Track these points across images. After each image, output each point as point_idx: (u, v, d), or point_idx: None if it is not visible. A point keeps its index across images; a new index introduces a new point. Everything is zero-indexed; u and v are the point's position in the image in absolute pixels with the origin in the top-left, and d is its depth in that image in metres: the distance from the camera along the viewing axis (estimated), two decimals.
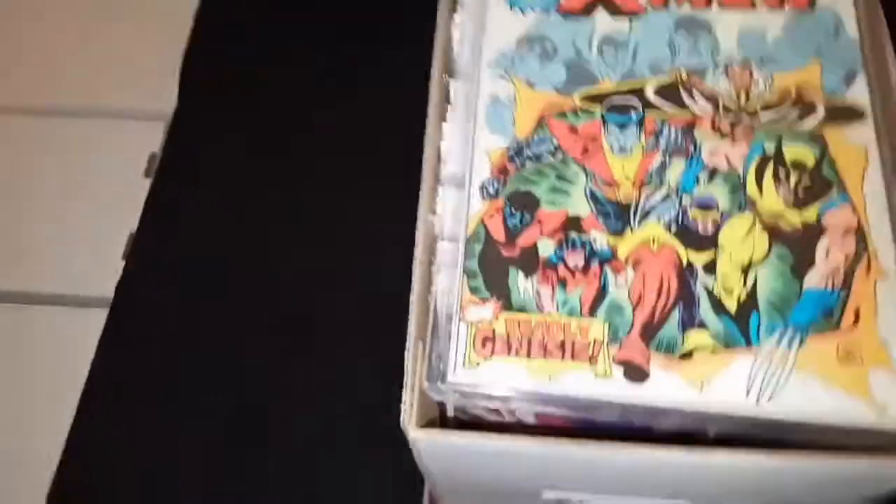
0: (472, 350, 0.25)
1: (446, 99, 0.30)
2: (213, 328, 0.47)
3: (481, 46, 0.30)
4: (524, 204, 0.27)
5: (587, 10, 0.30)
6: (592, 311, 0.26)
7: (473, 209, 0.27)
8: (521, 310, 0.26)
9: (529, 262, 0.26)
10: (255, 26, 0.59)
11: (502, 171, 0.28)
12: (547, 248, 0.27)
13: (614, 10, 0.30)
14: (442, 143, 0.30)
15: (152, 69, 0.60)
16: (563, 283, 0.26)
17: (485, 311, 0.26)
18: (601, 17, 0.30)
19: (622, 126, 0.28)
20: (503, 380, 0.25)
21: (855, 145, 0.27)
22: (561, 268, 0.26)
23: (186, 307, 0.48)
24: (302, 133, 0.54)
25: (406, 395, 0.24)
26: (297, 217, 0.51)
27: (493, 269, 0.26)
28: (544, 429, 0.25)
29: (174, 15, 0.62)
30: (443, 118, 0.30)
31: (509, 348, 0.25)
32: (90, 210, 0.56)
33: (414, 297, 0.26)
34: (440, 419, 0.26)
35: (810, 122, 0.28)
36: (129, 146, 0.58)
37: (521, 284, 0.26)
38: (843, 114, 0.28)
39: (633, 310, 0.25)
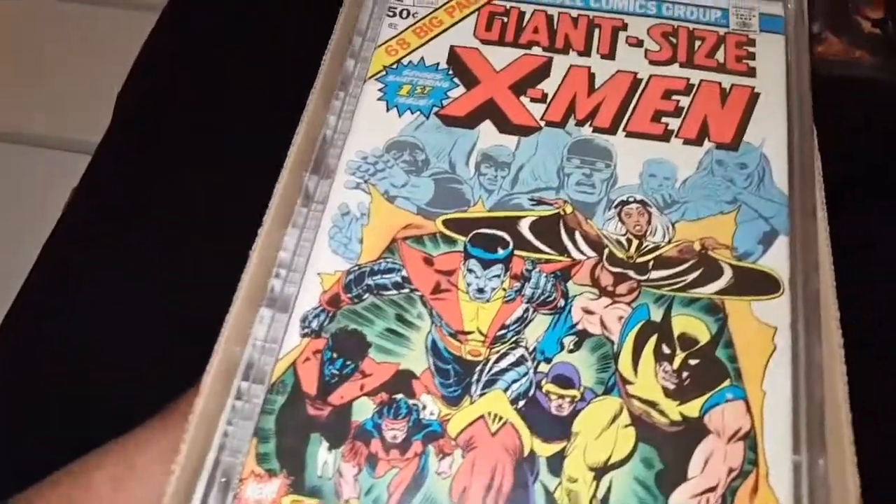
0: None
1: (301, 199, 0.26)
2: None
3: (345, 144, 0.26)
4: (349, 348, 0.23)
5: (472, 120, 0.26)
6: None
7: (287, 347, 0.23)
8: (313, 494, 0.21)
9: (338, 426, 0.21)
10: None
11: (333, 302, 0.24)
12: (364, 411, 0.22)
13: (503, 124, 0.26)
14: (280, 253, 0.25)
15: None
16: (372, 462, 0.21)
17: (267, 490, 0.21)
18: (486, 129, 0.26)
19: (485, 263, 0.24)
20: None
21: (762, 325, 0.22)
22: (374, 442, 0.21)
23: None
24: None
25: None
26: None
27: (291, 432, 0.21)
28: None
29: None
30: (287, 220, 0.26)
31: None
32: None
33: (188, 438, 0.21)
34: None
35: (711, 288, 0.23)
36: None
37: (322, 458, 0.21)
38: (753, 283, 0.23)
39: None
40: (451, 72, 0.27)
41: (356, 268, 0.24)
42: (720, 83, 0.26)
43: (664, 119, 0.26)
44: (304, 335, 0.23)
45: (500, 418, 0.21)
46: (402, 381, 0.22)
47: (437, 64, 0.27)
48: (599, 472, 0.21)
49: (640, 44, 0.27)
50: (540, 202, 0.24)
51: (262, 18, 0.52)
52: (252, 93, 0.47)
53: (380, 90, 0.27)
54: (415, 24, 0.28)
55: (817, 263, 0.23)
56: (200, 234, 0.41)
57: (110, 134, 0.50)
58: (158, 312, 0.39)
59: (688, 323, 0.22)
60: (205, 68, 0.49)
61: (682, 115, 0.26)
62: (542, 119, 0.26)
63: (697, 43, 0.27)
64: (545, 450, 0.21)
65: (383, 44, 0.28)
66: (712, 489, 0.20)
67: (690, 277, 0.23)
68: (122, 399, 0.36)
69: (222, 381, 0.23)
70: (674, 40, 0.27)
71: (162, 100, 0.49)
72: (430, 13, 0.28)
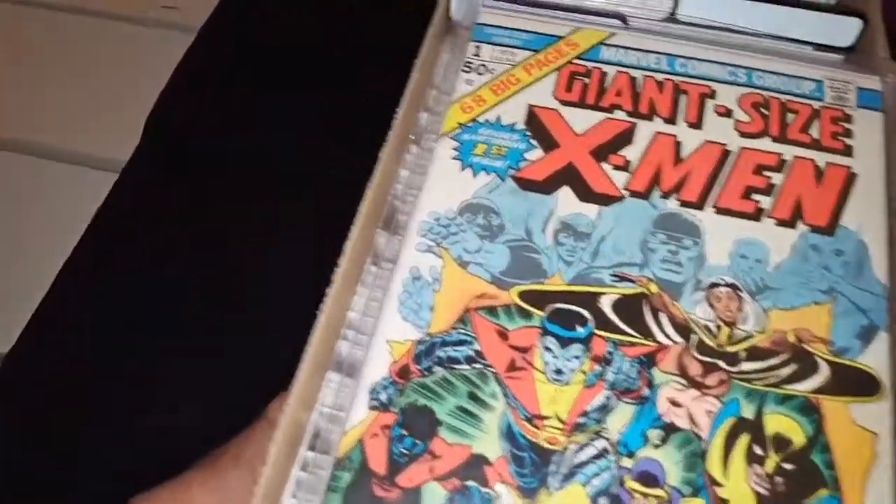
0: None
1: (371, 258, 0.26)
2: None
3: (417, 203, 0.25)
4: (419, 425, 0.22)
5: (550, 186, 0.25)
6: None
7: (354, 418, 0.22)
8: None
9: None
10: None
11: (403, 373, 0.23)
12: (434, 498, 0.21)
13: (583, 191, 0.25)
14: (349, 314, 0.25)
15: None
16: None
17: None
18: (565, 196, 0.25)
19: (564, 342, 0.23)
20: None
21: (861, 430, 0.21)
22: None
23: None
24: None
25: None
26: None
27: None
28: None
29: None
30: (356, 278, 0.25)
31: None
32: None
33: None
34: None
35: (807, 385, 0.22)
36: None
37: None
38: (851, 382, 0.22)
39: None
40: (528, 133, 0.26)
41: (427, 337, 0.23)
42: (814, 161, 0.25)
43: (755, 196, 0.25)
44: (372, 407, 0.22)
45: None
46: (475, 466, 0.21)
47: (515, 124, 0.26)
48: None
49: (729, 113, 0.26)
50: (623, 278, 0.23)
51: (320, 48, 0.52)
52: (310, 136, 0.47)
53: (454, 148, 0.26)
54: (492, 80, 0.27)
55: None
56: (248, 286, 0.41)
57: (144, 154, 0.49)
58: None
59: (782, 422, 0.21)
60: (257, 100, 0.49)
61: (775, 194, 0.25)
62: (625, 188, 0.25)
63: (790, 116, 0.26)
64: None
65: (459, 100, 0.27)
66: None
67: (784, 372, 0.22)
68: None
69: (287, 449, 0.22)
70: (765, 112, 0.26)
71: (211, 129, 0.49)
72: (508, 70, 0.27)
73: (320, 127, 0.46)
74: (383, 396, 0.22)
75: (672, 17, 0.30)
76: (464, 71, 0.28)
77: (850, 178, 0.25)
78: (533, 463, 0.21)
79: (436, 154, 0.26)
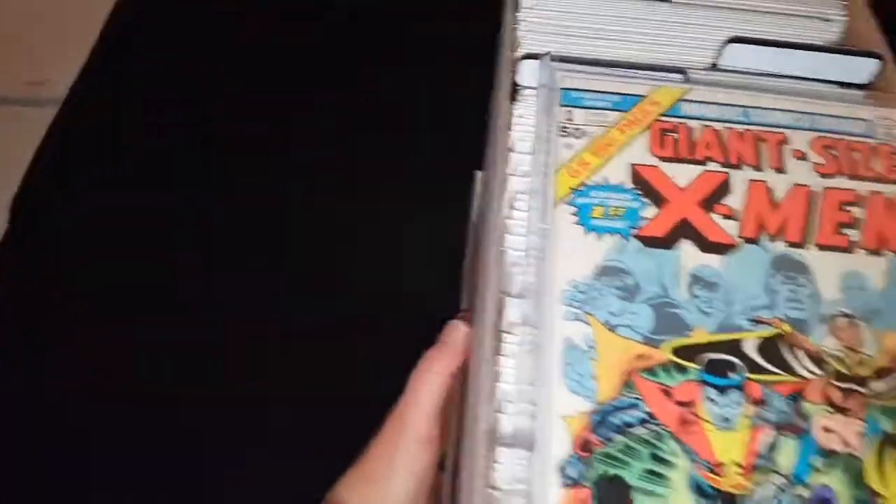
0: None
1: (505, 325, 0.26)
2: None
3: (556, 271, 0.27)
4: (615, 497, 0.23)
5: (671, 241, 0.27)
6: None
7: (551, 500, 0.23)
8: None
9: None
10: None
11: (585, 447, 0.24)
12: None
13: (702, 242, 0.27)
14: (499, 386, 0.25)
15: None
16: None
17: None
18: (687, 249, 0.27)
19: (722, 390, 0.25)
20: None
21: None
22: None
23: None
24: None
25: None
26: None
27: None
28: None
29: None
30: (497, 351, 0.26)
31: None
32: None
33: None
34: None
35: None
36: None
37: None
38: None
39: None
40: (638, 191, 0.28)
41: (599, 406, 0.24)
42: (884, 193, 0.29)
43: (845, 231, 0.28)
44: (565, 486, 0.23)
45: None
46: None
47: (623, 183, 0.28)
48: None
49: (803, 157, 0.29)
50: (759, 322, 0.26)
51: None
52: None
53: (573, 213, 0.27)
54: (590, 143, 0.29)
55: None
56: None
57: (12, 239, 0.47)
58: None
59: None
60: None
61: (860, 226, 0.28)
62: (739, 236, 0.27)
63: (855, 155, 0.30)
64: None
65: (564, 165, 0.28)
66: None
67: None
68: None
69: None
70: (834, 153, 0.30)
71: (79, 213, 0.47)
72: (604, 131, 0.29)
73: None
74: (573, 473, 0.23)
75: (714, 67, 0.34)
76: (561, 136, 0.29)
77: None
78: None
79: (556, 220, 0.27)
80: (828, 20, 0.36)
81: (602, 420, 0.24)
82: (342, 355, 0.33)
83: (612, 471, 0.23)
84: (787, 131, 0.30)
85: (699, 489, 0.23)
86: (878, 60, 0.33)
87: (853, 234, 0.28)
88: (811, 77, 0.33)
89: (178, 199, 0.47)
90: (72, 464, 0.39)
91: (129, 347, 0.43)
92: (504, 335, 0.26)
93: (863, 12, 0.36)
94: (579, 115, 0.29)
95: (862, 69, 0.33)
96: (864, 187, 0.29)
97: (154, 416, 0.40)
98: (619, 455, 0.24)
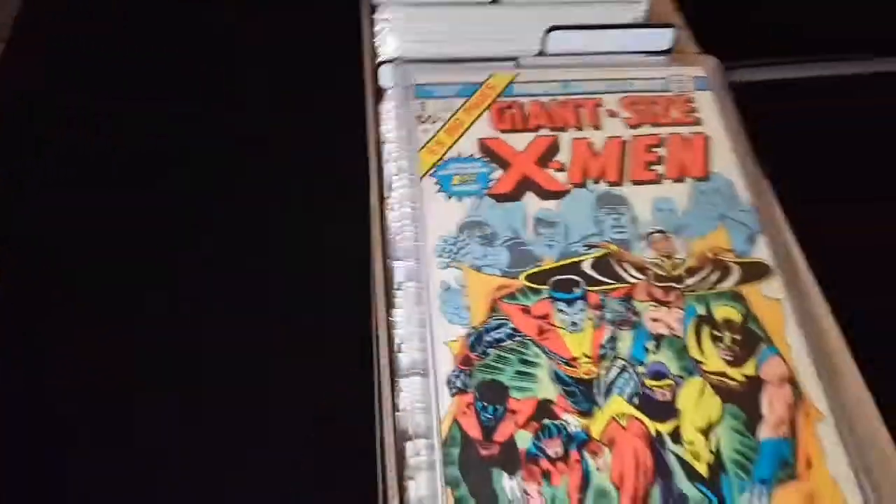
0: None
1: (396, 283, 0.32)
2: None
3: (425, 232, 0.32)
4: (494, 395, 0.29)
5: (516, 194, 0.34)
6: (581, 502, 0.27)
7: (444, 407, 0.28)
8: None
9: (510, 458, 0.27)
10: None
11: (465, 362, 0.29)
12: (525, 440, 0.28)
13: (541, 192, 0.34)
14: (396, 331, 0.31)
15: None
16: (547, 476, 0.27)
17: None
18: (530, 199, 0.34)
19: (570, 303, 0.31)
20: None
21: (770, 300, 0.32)
22: (542, 460, 0.28)
23: None
24: None
25: None
26: None
27: (475, 473, 0.27)
28: None
29: None
30: (391, 304, 0.31)
31: None
32: None
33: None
34: None
35: (730, 282, 0.33)
36: None
37: (507, 486, 0.27)
38: (754, 272, 0.33)
39: (619, 492, 0.27)
40: (486, 159, 0.34)
41: (472, 330, 0.30)
42: (681, 134, 0.36)
43: (653, 167, 0.35)
44: (453, 394, 0.28)
45: (625, 415, 0.29)
46: (544, 409, 0.28)
47: (473, 154, 0.34)
48: (706, 432, 0.28)
49: (615, 114, 0.37)
50: (591, 247, 0.32)
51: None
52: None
53: (436, 184, 0.33)
54: (443, 126, 0.35)
55: (788, 248, 0.34)
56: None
57: None
58: None
59: (725, 311, 0.31)
60: None
61: (664, 162, 0.35)
62: (569, 183, 0.34)
63: (655, 107, 0.37)
64: (664, 427, 0.28)
65: (424, 146, 0.34)
66: (782, 421, 0.29)
67: (713, 278, 0.32)
68: None
69: (396, 443, 0.27)
70: (639, 108, 0.37)
71: None
72: (452, 116, 0.35)
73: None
74: (458, 383, 0.29)
75: (541, 54, 0.41)
76: (419, 123, 0.35)
77: (707, 141, 0.37)
78: (581, 393, 0.29)
79: (424, 192, 0.33)
80: (635, 2, 0.44)
81: (477, 339, 0.30)
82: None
83: (489, 376, 0.29)
84: (600, 96, 0.37)
85: (559, 379, 0.29)
86: (672, 29, 0.41)
87: (659, 168, 0.35)
88: (624, 51, 0.41)
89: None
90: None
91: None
92: (394, 292, 0.31)
93: None
94: (431, 105, 0.36)
95: (662, 38, 0.41)
96: (664, 131, 0.37)
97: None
98: (494, 364, 0.29)
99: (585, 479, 0.27)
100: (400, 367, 0.30)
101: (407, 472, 0.27)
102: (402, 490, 0.27)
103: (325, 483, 0.36)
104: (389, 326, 0.31)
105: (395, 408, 0.29)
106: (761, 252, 0.34)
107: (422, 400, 0.29)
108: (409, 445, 0.28)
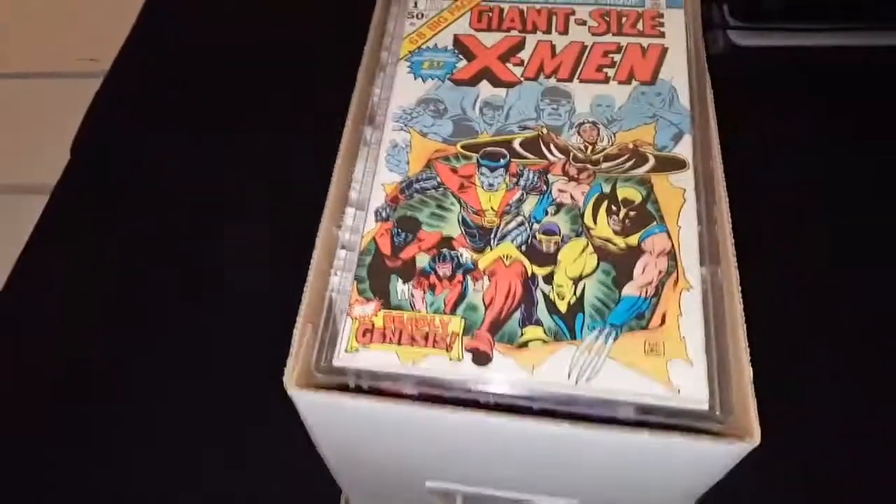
0: (354, 339, 0.35)
1: (362, 142, 0.41)
2: None
3: (389, 104, 0.41)
4: (408, 226, 0.37)
5: (473, 81, 0.42)
6: (453, 310, 0.35)
7: (368, 228, 0.38)
8: (398, 308, 0.35)
9: (408, 271, 0.36)
10: None
11: (394, 200, 0.38)
12: (423, 261, 0.36)
13: (495, 81, 0.42)
14: (353, 174, 0.40)
15: None
16: (432, 288, 0.35)
17: (368, 309, 0.35)
18: (484, 86, 0.42)
19: (492, 169, 0.39)
20: (376, 362, 0.34)
21: (676, 188, 0.37)
22: (432, 276, 0.36)
23: None
24: None
25: (290, 361, 0.33)
26: None
27: (378, 276, 0.36)
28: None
29: None
30: (355, 156, 0.41)
31: (384, 338, 0.35)
32: None
33: (307, 289, 0.36)
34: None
35: (642, 170, 0.38)
36: None
37: (400, 288, 0.36)
38: (669, 164, 0.38)
39: (485, 309, 0.35)
40: (456, 51, 0.42)
41: (407, 178, 0.39)
42: (641, 44, 0.42)
43: (605, 70, 0.41)
44: (377, 220, 0.37)
45: (511, 257, 0.36)
46: (446, 241, 0.37)
47: (446, 47, 0.43)
48: (576, 280, 0.35)
49: (584, 23, 0.43)
50: (525, 128, 0.40)
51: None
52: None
53: (408, 67, 0.42)
54: (427, 21, 0.44)
55: (710, 149, 0.38)
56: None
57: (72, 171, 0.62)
58: None
59: (627, 192, 0.37)
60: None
61: (617, 66, 0.41)
62: (522, 76, 0.41)
63: (624, 19, 0.43)
64: (541, 271, 0.35)
65: (407, 36, 0.43)
66: (650, 283, 0.35)
67: (628, 165, 0.38)
68: None
69: (327, 251, 0.37)
70: (608, 19, 0.43)
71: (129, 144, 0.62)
72: (437, 14, 0.44)
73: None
74: (384, 213, 0.38)
75: None
76: (408, 18, 0.44)
77: (664, 51, 0.42)
78: (480, 236, 0.37)
79: (397, 72, 0.42)
80: None
81: (407, 185, 0.39)
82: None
83: (409, 213, 0.38)
84: (575, 6, 0.43)
85: (465, 223, 0.37)
86: None
87: (610, 72, 0.41)
88: None
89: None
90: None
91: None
92: (359, 148, 0.41)
93: None
94: (422, 3, 0.44)
95: None
96: (625, 41, 0.42)
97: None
98: (416, 205, 0.38)
99: (462, 295, 0.35)
100: (349, 201, 0.39)
101: (332, 270, 0.37)
102: (326, 283, 0.37)
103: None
104: (349, 172, 0.40)
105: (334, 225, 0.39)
106: (683, 150, 0.38)
107: (353, 223, 0.38)
108: (337, 252, 0.37)
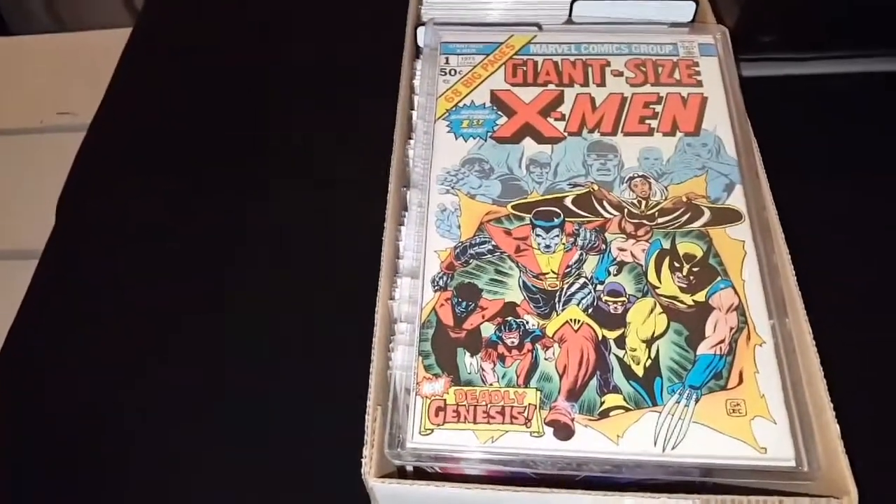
0: (427, 419, 0.35)
1: (403, 206, 0.42)
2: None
3: (431, 165, 0.42)
4: (469, 294, 0.38)
5: (516, 138, 0.43)
6: (527, 381, 0.36)
7: (426, 299, 0.38)
8: (469, 383, 0.36)
9: (474, 342, 0.37)
10: None
11: (450, 267, 0.39)
12: (488, 330, 0.37)
13: (539, 137, 0.43)
14: (399, 242, 0.41)
15: None
16: (502, 358, 0.36)
17: (437, 386, 0.36)
18: (528, 142, 0.43)
19: (547, 230, 0.40)
20: (454, 443, 0.35)
21: (735, 241, 0.39)
22: (500, 346, 0.37)
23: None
24: None
25: (366, 451, 0.33)
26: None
27: (443, 349, 0.37)
28: (490, 480, 0.35)
29: None
30: (399, 222, 0.42)
31: (458, 416, 0.35)
32: None
33: (373, 369, 0.36)
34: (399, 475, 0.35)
35: (699, 223, 0.40)
36: None
37: (468, 362, 0.36)
38: (724, 216, 0.40)
39: (560, 378, 0.36)
40: (494, 108, 0.44)
41: (460, 244, 0.39)
42: (680, 94, 0.44)
43: (647, 121, 0.43)
44: (436, 290, 0.38)
45: (579, 321, 0.37)
46: (509, 308, 0.38)
47: (484, 104, 0.44)
48: (648, 342, 0.36)
49: (620, 74, 0.45)
50: (575, 185, 0.41)
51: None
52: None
53: (447, 126, 0.43)
54: (461, 78, 0.45)
55: (762, 199, 0.40)
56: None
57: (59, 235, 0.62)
58: None
59: (687, 247, 0.39)
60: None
61: (658, 117, 0.43)
62: (565, 131, 0.43)
63: (660, 69, 0.45)
64: (611, 334, 0.37)
65: (442, 94, 0.44)
66: (723, 341, 0.36)
67: (684, 219, 0.40)
68: None
69: (385, 324, 0.37)
70: (644, 69, 0.45)
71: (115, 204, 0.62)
72: (471, 70, 0.45)
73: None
74: (441, 282, 0.38)
75: (570, 21, 0.49)
76: (441, 75, 0.45)
77: (704, 101, 0.44)
78: (543, 300, 0.38)
79: (436, 133, 0.43)
80: None
81: (462, 251, 0.40)
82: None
83: (468, 280, 0.39)
84: (609, 58, 0.46)
85: (527, 288, 0.38)
86: (694, 2, 0.48)
87: (653, 123, 0.43)
88: (648, 21, 0.49)
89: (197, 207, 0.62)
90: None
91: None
92: (403, 213, 0.42)
93: None
94: (454, 60, 0.46)
95: (685, 11, 0.49)
96: (664, 90, 0.44)
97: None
98: (473, 271, 0.39)
99: (534, 364, 0.36)
100: (399, 270, 0.40)
101: (392, 346, 0.37)
102: (388, 359, 0.37)
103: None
104: (396, 239, 0.41)
105: (391, 299, 0.39)
106: (736, 201, 0.41)
107: (410, 294, 0.39)
108: (396, 326, 0.38)
